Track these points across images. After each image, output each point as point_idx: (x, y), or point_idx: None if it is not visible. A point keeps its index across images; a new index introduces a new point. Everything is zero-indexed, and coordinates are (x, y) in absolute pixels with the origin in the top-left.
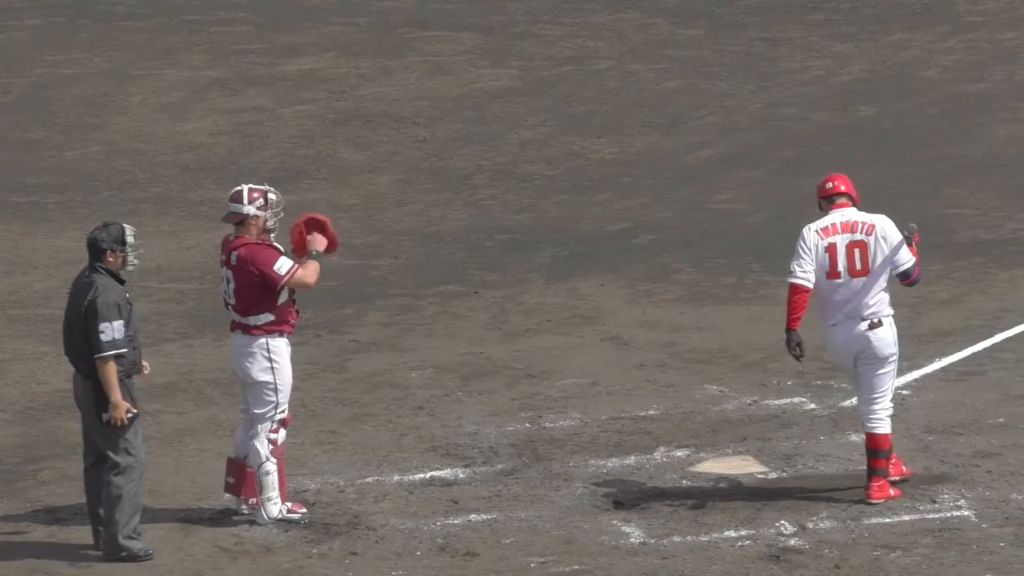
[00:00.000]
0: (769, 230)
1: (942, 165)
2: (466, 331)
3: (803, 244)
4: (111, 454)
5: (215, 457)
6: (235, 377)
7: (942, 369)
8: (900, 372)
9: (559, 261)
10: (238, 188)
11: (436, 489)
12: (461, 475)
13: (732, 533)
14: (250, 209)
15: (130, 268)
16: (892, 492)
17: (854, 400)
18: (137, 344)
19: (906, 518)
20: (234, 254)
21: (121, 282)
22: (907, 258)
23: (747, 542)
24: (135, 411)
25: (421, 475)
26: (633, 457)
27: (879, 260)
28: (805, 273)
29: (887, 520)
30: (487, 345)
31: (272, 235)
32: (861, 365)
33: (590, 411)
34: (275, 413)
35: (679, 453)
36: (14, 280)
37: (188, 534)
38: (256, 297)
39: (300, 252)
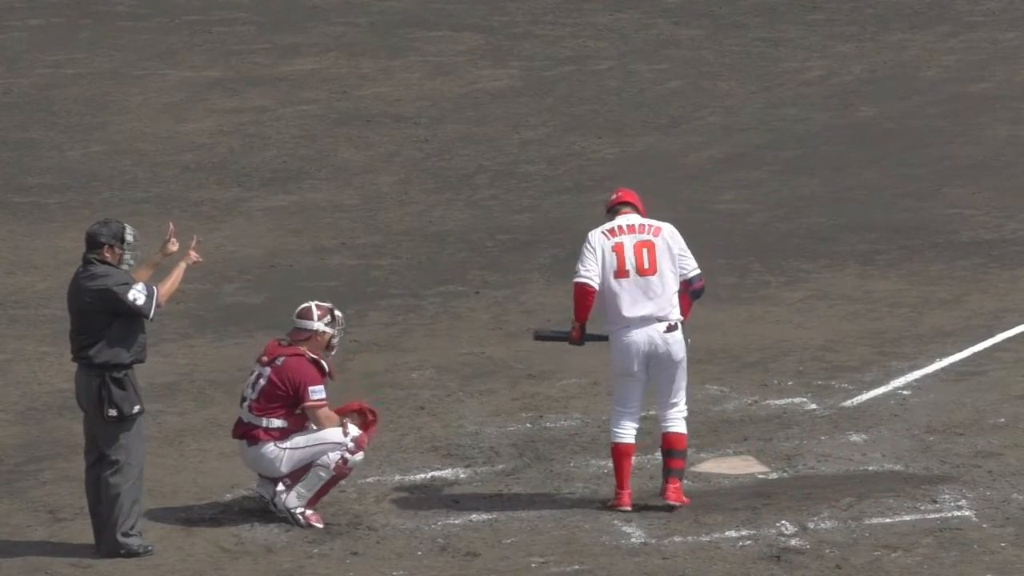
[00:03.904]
0: (770, 230)
1: (943, 165)
2: (467, 331)
3: (588, 245)
4: (109, 452)
5: (216, 457)
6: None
7: (943, 369)
8: (902, 372)
9: (560, 261)
10: (306, 305)
11: (437, 489)
12: (462, 475)
13: (733, 533)
14: (319, 325)
15: (124, 268)
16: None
17: (854, 400)
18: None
19: (907, 518)
20: (282, 358)
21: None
22: (694, 266)
23: (748, 542)
24: (140, 407)
25: (422, 475)
26: (634, 457)
27: (666, 262)
28: (589, 272)
29: (888, 520)
30: (488, 345)
31: (333, 352)
32: (655, 369)
33: (591, 411)
34: (333, 448)
35: None
36: (15, 280)
37: (189, 534)
38: (278, 406)
39: (342, 411)
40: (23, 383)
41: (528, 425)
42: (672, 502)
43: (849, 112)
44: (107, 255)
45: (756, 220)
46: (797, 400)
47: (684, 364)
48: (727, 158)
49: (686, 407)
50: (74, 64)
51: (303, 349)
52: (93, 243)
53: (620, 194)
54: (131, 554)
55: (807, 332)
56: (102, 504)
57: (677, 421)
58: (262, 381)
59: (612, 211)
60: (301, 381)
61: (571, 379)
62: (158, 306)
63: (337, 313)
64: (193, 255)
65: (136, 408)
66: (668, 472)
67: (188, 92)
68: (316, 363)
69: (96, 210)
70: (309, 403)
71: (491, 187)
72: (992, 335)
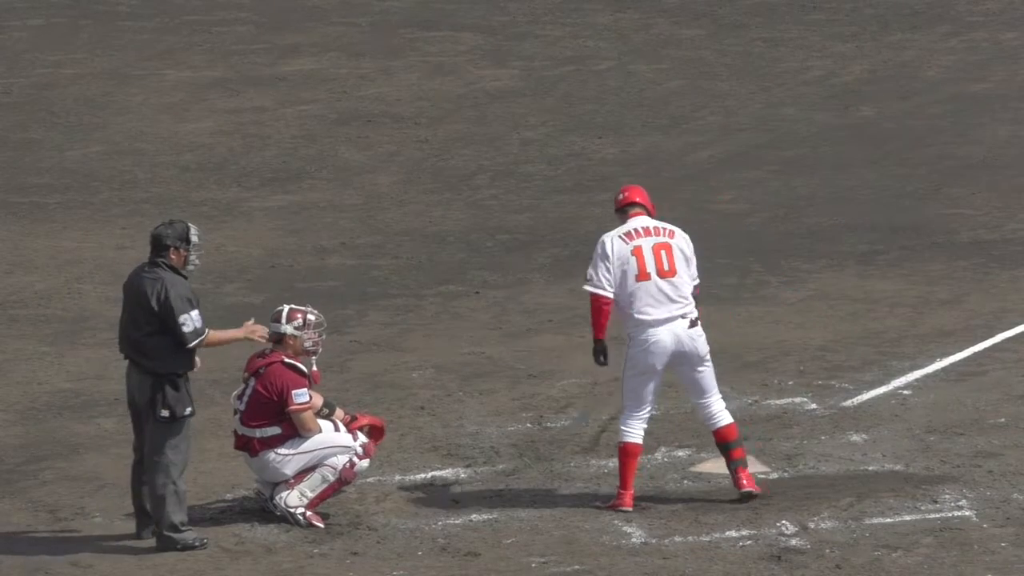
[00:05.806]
0: (770, 230)
1: (942, 165)
2: (467, 331)
3: (603, 250)
4: (158, 450)
5: (216, 457)
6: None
7: (943, 369)
8: (902, 372)
9: (560, 261)
10: (279, 308)
11: (437, 489)
12: (462, 475)
13: (733, 533)
14: (287, 328)
15: (190, 268)
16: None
17: (855, 400)
18: None
19: (907, 518)
20: (263, 368)
21: (183, 277)
22: (696, 275)
23: (748, 542)
24: (192, 409)
25: (422, 475)
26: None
27: (682, 263)
28: (602, 281)
29: (888, 520)
30: (488, 345)
31: (314, 357)
32: (684, 366)
33: (591, 411)
34: (343, 451)
35: (680, 453)
36: (15, 280)
37: None
38: (268, 414)
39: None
40: (23, 383)
41: (528, 425)
42: (750, 490)
43: (849, 112)
44: (173, 257)
45: (756, 220)
46: (797, 400)
47: (709, 358)
48: (727, 158)
49: (722, 398)
50: (74, 64)
51: (279, 354)
52: (159, 246)
53: (628, 193)
54: (187, 548)
55: (807, 332)
56: (150, 503)
57: (722, 414)
58: (249, 391)
59: (621, 211)
60: (284, 384)
61: (571, 379)
62: (199, 344)
63: (310, 317)
64: (260, 334)
65: (188, 410)
66: (734, 464)
67: (188, 92)
68: (293, 367)
69: (96, 210)
70: (292, 407)
71: (491, 187)
72: (992, 335)
